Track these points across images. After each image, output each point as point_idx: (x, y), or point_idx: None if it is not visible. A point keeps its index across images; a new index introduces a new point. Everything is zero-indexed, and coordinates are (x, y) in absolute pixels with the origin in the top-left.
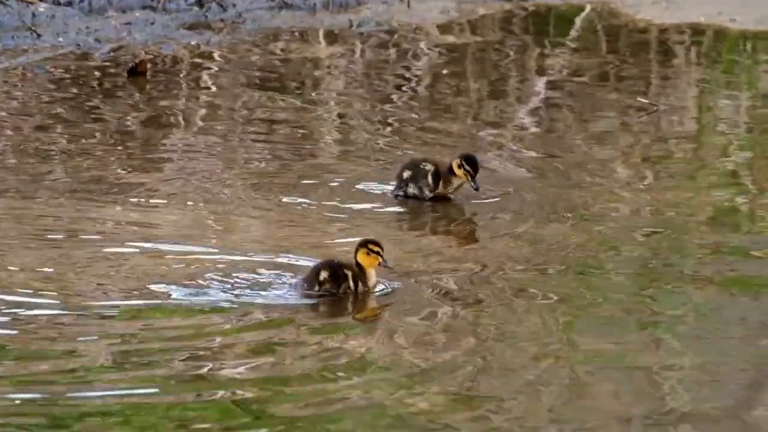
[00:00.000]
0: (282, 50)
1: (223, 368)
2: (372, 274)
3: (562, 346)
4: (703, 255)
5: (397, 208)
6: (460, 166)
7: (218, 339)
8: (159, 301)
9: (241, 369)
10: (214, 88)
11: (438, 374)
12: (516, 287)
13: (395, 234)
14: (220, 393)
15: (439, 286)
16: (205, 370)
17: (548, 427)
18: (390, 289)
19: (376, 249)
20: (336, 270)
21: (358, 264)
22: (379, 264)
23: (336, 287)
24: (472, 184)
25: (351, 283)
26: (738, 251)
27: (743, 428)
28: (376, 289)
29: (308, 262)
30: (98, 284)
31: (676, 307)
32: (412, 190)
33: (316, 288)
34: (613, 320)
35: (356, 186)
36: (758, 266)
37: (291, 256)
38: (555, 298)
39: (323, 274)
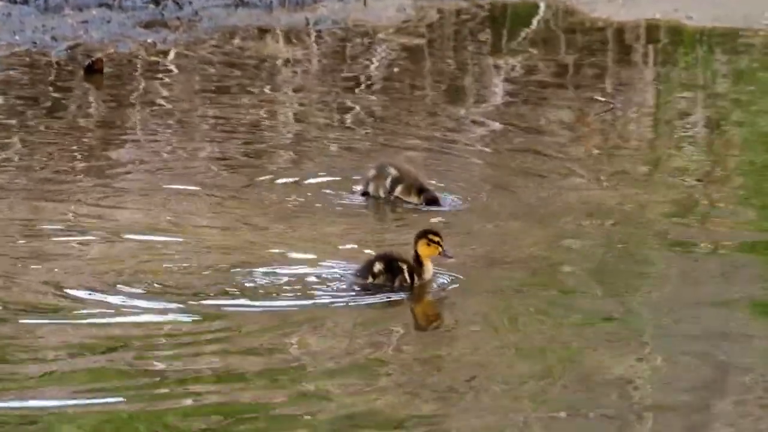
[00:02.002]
0: (238, 48)
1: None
2: (430, 267)
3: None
4: (660, 250)
5: (356, 205)
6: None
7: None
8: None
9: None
10: (170, 86)
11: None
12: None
13: (353, 231)
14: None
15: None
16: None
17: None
18: (449, 282)
19: (436, 239)
20: (391, 263)
21: (417, 255)
22: (439, 254)
23: (390, 280)
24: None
25: (407, 276)
26: (693, 246)
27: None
28: (435, 282)
29: (268, 262)
30: (44, 282)
31: (633, 303)
32: (371, 189)
33: (369, 279)
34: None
35: (312, 183)
36: (714, 260)
37: (247, 254)
38: (511, 291)
39: (377, 266)
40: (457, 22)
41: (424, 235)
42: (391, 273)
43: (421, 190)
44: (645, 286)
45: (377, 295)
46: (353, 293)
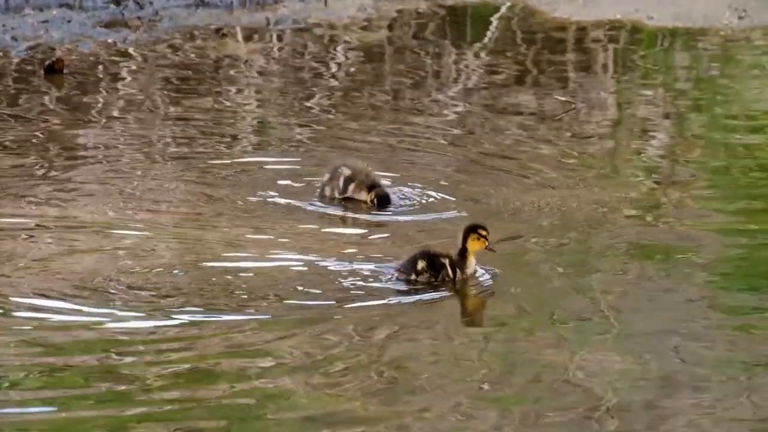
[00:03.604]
0: (199, 48)
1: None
2: (472, 262)
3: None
4: (622, 250)
5: (318, 205)
6: (371, 201)
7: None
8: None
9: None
10: (130, 86)
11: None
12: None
13: (312, 229)
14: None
15: None
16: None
17: None
18: (491, 276)
19: (485, 233)
20: (433, 259)
21: (463, 249)
22: (486, 248)
23: (434, 276)
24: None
25: (449, 271)
26: (655, 246)
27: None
28: (477, 276)
29: (225, 263)
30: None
31: (596, 303)
32: (327, 191)
33: (414, 277)
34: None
35: (273, 182)
36: (676, 260)
37: (210, 254)
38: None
39: (421, 264)
40: (418, 22)
41: (474, 230)
42: (434, 269)
43: (371, 187)
44: (607, 286)
45: (421, 293)
46: (396, 291)
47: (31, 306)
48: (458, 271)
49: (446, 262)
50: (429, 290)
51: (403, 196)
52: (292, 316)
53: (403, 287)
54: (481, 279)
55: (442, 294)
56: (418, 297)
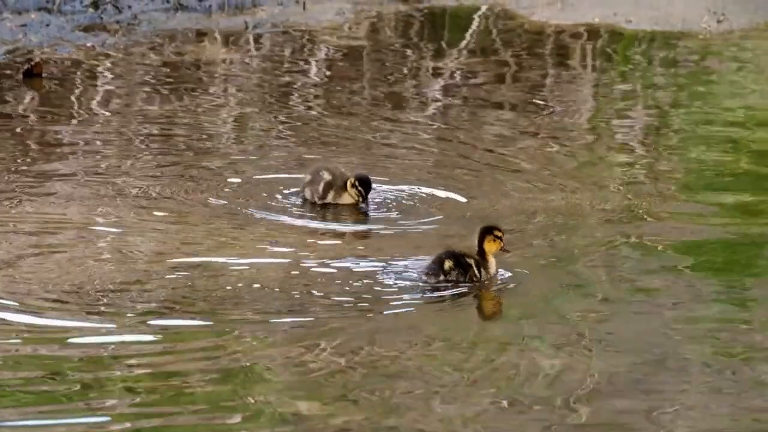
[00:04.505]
0: (178, 52)
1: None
2: (493, 262)
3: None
4: (600, 251)
5: (295, 210)
6: (353, 186)
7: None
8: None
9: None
10: (109, 90)
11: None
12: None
13: (293, 232)
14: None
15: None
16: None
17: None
18: (507, 276)
19: (500, 234)
20: (459, 259)
21: (482, 251)
22: (501, 248)
23: (462, 276)
24: (362, 206)
25: (476, 271)
26: (633, 246)
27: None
28: (498, 276)
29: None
30: None
31: (573, 302)
32: (308, 194)
33: (441, 277)
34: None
35: (250, 187)
36: (654, 260)
37: (188, 257)
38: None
39: (448, 264)
40: (396, 26)
41: (490, 231)
42: (461, 269)
43: (350, 181)
44: (584, 286)
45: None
46: (421, 292)
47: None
48: (483, 271)
49: (472, 262)
50: (418, 293)
51: (382, 198)
52: (273, 319)
53: (381, 293)
54: (503, 279)
55: (431, 298)
56: (403, 301)
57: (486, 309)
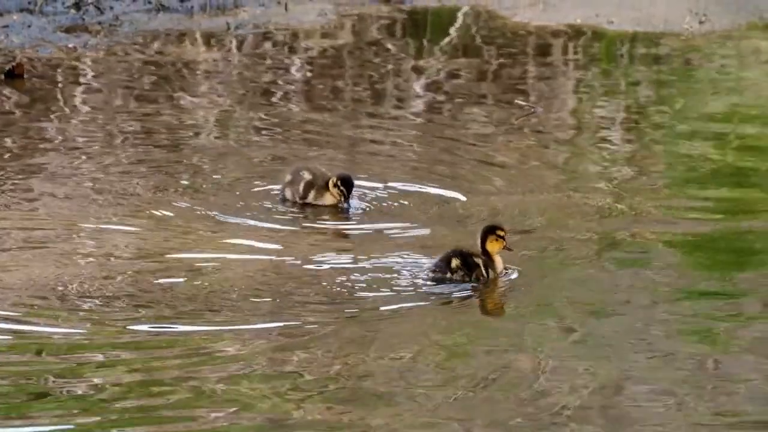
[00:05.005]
0: (159, 53)
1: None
2: (499, 261)
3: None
4: (582, 254)
5: (276, 210)
6: (335, 185)
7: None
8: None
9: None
10: (91, 90)
11: None
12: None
13: (274, 233)
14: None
15: None
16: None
17: None
18: (515, 275)
19: (502, 233)
20: (466, 258)
21: (485, 252)
22: (504, 247)
23: (469, 275)
24: (345, 205)
25: (483, 270)
26: (616, 250)
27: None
28: (504, 275)
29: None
30: None
31: (554, 307)
32: (288, 194)
33: (449, 275)
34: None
35: (232, 187)
36: (636, 264)
37: (169, 258)
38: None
39: (455, 262)
40: (379, 27)
41: (493, 230)
42: (468, 268)
43: (331, 180)
44: (566, 289)
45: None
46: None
47: None
48: (490, 270)
49: (480, 261)
50: (402, 296)
51: (365, 197)
52: (254, 321)
53: (375, 292)
54: (509, 278)
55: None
56: (392, 304)
57: (483, 309)
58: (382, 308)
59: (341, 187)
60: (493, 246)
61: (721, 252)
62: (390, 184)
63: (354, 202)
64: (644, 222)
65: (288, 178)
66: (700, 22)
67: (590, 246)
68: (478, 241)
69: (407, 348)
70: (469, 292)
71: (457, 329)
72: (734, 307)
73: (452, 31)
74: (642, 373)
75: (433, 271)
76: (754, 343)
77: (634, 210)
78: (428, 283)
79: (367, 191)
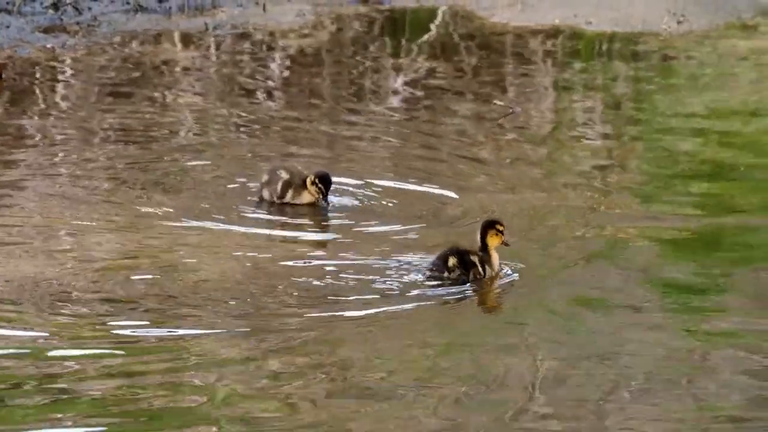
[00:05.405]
0: (138, 53)
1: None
2: (496, 257)
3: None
4: (561, 253)
5: (256, 209)
6: (313, 183)
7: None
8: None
9: None
10: (69, 91)
11: None
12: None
13: (252, 234)
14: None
15: None
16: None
17: None
18: (515, 273)
19: (501, 228)
20: (463, 256)
21: (484, 246)
22: (502, 242)
23: (465, 273)
24: (323, 202)
25: (480, 268)
26: (595, 249)
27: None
28: (502, 273)
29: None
30: None
31: (533, 307)
32: (266, 194)
33: (446, 274)
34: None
35: (210, 188)
36: (616, 263)
37: (148, 258)
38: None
39: (452, 260)
40: (357, 27)
41: (492, 225)
42: (464, 267)
43: (309, 178)
44: (555, 287)
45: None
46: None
47: None
48: (488, 268)
49: (476, 259)
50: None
51: (345, 195)
52: (237, 321)
53: (386, 291)
54: (507, 275)
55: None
56: (386, 306)
57: (477, 309)
58: (367, 310)
59: (319, 185)
60: (492, 240)
61: (704, 247)
62: (370, 181)
63: (332, 199)
64: (627, 218)
65: (265, 178)
66: (679, 23)
67: (574, 242)
68: (478, 236)
69: (394, 349)
70: (463, 292)
71: (450, 329)
72: (720, 303)
73: (431, 30)
74: (636, 371)
75: (431, 270)
76: (737, 338)
77: (617, 207)
78: (426, 282)
79: (347, 188)
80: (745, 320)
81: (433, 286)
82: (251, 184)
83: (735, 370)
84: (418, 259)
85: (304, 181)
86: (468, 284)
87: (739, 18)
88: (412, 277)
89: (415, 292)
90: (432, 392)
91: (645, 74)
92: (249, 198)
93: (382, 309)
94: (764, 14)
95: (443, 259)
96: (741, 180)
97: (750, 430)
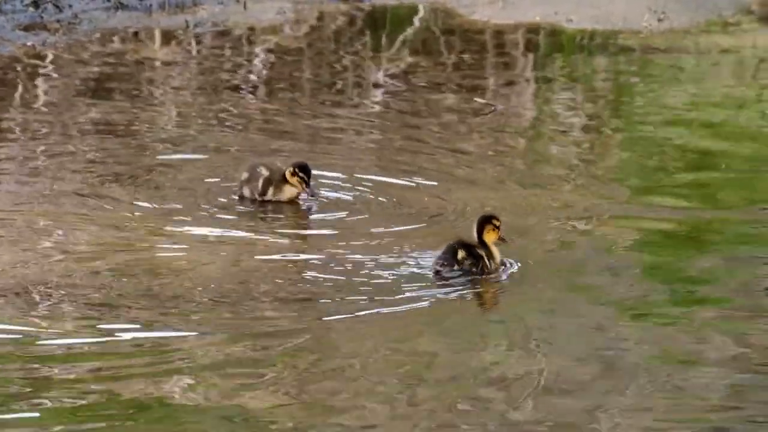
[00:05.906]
0: (118, 50)
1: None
2: (497, 250)
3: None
4: (543, 251)
5: (235, 208)
6: (293, 174)
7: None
8: None
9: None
10: (49, 88)
11: None
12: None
13: (235, 233)
14: None
15: None
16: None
17: None
18: (515, 268)
19: (498, 223)
20: (470, 249)
21: (482, 241)
22: (498, 238)
23: (475, 265)
24: (307, 191)
25: (487, 261)
26: (578, 246)
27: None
28: (503, 267)
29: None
30: None
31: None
32: (246, 192)
33: (456, 267)
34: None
35: (191, 185)
36: (599, 260)
37: (130, 256)
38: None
39: (461, 253)
40: (337, 25)
41: (489, 220)
42: (473, 259)
43: (289, 170)
44: (531, 282)
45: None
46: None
47: None
48: (491, 262)
49: (483, 253)
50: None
51: (330, 190)
52: (220, 321)
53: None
54: (509, 270)
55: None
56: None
57: (473, 308)
58: (355, 307)
59: (300, 174)
60: (489, 236)
61: (688, 239)
62: (353, 174)
63: (314, 185)
64: (611, 210)
65: (245, 175)
66: (659, 20)
67: (558, 235)
68: (474, 232)
69: (384, 348)
70: (454, 290)
71: (440, 326)
72: (705, 293)
73: (411, 29)
74: (632, 369)
75: (441, 266)
76: (721, 328)
77: (601, 199)
78: (435, 277)
79: (330, 182)
80: (732, 312)
81: (423, 286)
82: (232, 183)
83: (721, 360)
84: (405, 255)
85: (284, 177)
86: (482, 276)
87: (719, 16)
88: (402, 272)
89: (404, 288)
90: (424, 392)
91: (624, 72)
92: (231, 196)
93: (371, 306)
94: (745, 12)
95: (452, 252)
96: (724, 172)
97: (737, 420)
